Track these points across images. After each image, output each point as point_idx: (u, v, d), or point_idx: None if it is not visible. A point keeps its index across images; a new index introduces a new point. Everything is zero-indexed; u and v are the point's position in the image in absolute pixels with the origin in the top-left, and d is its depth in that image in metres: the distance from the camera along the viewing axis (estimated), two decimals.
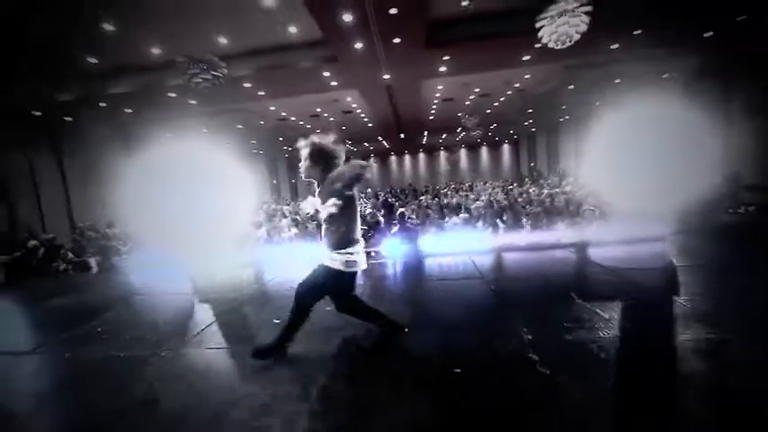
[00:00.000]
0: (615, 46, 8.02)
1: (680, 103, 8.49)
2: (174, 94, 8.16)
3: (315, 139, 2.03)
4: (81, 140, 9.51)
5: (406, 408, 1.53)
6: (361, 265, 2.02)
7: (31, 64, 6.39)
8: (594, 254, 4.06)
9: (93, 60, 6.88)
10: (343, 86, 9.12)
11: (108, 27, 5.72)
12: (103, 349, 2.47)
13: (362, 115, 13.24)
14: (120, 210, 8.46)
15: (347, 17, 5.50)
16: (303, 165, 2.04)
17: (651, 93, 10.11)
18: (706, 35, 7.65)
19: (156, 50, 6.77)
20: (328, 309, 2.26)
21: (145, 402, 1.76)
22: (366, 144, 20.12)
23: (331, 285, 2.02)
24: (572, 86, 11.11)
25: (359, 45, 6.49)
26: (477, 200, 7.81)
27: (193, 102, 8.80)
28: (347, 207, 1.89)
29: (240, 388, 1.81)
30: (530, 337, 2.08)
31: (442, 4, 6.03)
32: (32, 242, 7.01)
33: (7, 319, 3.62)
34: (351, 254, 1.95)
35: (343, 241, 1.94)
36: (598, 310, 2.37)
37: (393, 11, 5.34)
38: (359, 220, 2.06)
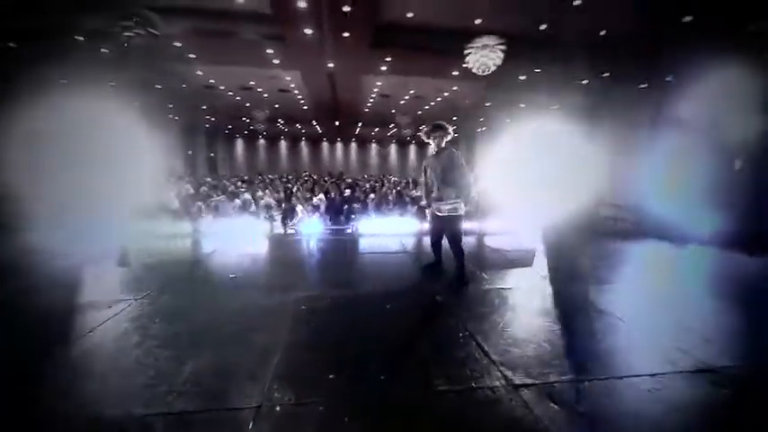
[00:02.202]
0: (523, 77, 9.74)
1: (567, 132, 10.73)
2: (81, 38, 7.04)
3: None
4: None
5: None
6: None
7: None
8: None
9: None
10: (284, 66, 9.04)
11: None
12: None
13: (299, 97, 13.09)
14: None
15: (301, 3, 5.68)
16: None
17: (546, 119, 12.48)
18: (583, 82, 9.88)
19: None
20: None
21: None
22: (299, 126, 19.69)
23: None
24: (489, 104, 12.93)
25: (308, 31, 6.66)
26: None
27: (105, 50, 7.68)
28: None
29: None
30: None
31: (392, 11, 6.61)
32: None
33: None
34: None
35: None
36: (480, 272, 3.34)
37: (346, 8, 5.72)
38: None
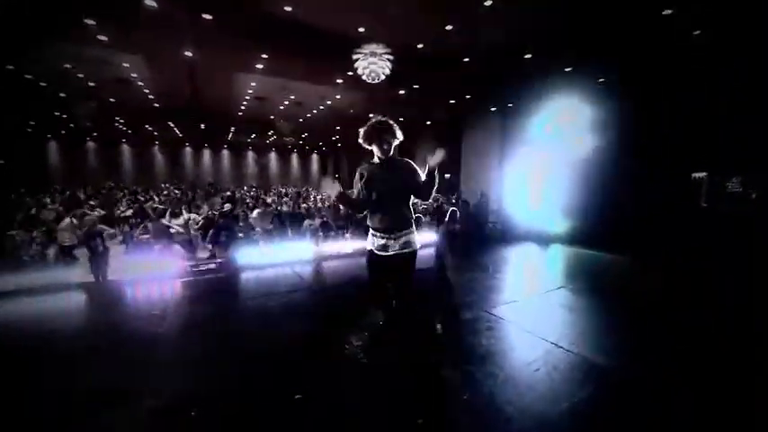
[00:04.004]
0: (402, 92, 10.18)
1: (440, 145, 11.77)
2: None
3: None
4: None
5: None
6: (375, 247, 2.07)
7: None
8: None
9: None
10: (118, 47, 6.86)
11: None
12: None
13: (146, 91, 10.40)
14: None
15: None
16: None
17: (420, 133, 13.53)
18: (451, 102, 11.06)
19: None
20: None
21: None
22: (148, 127, 15.88)
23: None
24: (371, 115, 13.16)
25: (151, 3, 5.10)
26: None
27: None
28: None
29: None
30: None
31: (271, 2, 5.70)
32: None
33: None
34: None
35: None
36: None
37: None
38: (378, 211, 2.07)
